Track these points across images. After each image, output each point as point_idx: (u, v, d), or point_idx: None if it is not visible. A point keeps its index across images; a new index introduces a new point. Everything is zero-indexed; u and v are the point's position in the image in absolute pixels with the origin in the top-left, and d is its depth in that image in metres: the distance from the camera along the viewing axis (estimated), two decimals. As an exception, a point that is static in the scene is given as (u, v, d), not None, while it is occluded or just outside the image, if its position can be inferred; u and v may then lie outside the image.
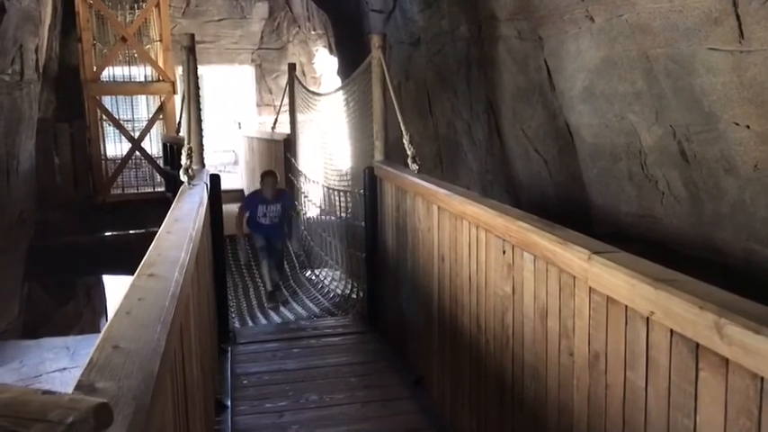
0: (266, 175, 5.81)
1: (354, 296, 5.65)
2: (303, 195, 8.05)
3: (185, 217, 2.86)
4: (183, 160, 3.93)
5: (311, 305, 6.39)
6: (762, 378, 1.23)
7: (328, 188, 6.89)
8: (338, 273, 6.62)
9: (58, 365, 4.69)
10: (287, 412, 3.40)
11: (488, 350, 2.62)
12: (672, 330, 1.48)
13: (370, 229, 4.65)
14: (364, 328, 4.68)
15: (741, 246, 2.54)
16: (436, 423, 3.22)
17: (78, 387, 1.05)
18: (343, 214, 6.32)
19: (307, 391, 3.64)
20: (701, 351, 1.39)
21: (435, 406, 3.31)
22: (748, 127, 2.49)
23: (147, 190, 9.20)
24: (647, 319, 1.57)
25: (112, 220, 8.75)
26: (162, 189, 8.88)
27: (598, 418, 1.82)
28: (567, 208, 4.05)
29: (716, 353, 1.34)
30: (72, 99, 8.66)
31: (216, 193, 4.24)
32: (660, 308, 1.51)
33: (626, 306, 1.66)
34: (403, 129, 4.11)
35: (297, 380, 3.79)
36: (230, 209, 7.80)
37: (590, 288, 1.83)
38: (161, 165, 8.90)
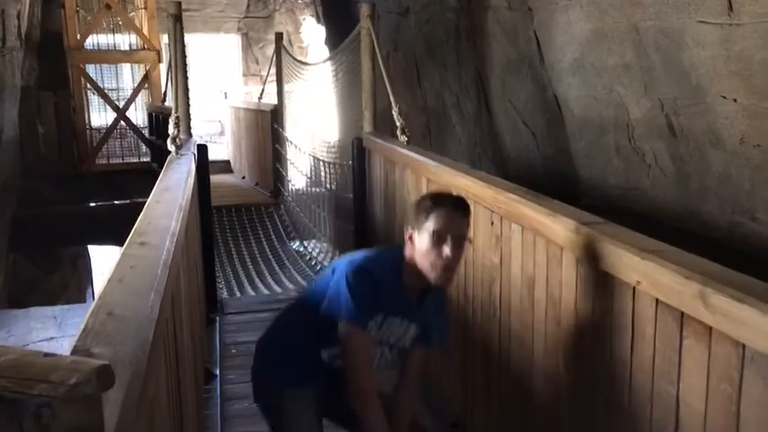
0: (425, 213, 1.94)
1: (342, 267, 5.67)
2: (291, 166, 8.02)
3: (174, 187, 2.85)
4: (171, 129, 3.91)
5: (299, 277, 6.41)
6: (743, 345, 1.26)
7: (316, 159, 6.88)
8: (326, 245, 6.64)
9: (46, 335, 4.69)
10: (276, 381, 3.43)
11: (475, 320, 2.65)
12: (657, 300, 1.51)
13: (358, 200, 4.66)
14: (352, 298, 4.70)
15: (726, 218, 2.57)
16: (423, 389, 3.26)
17: (75, 352, 1.06)
18: (331, 186, 6.32)
19: (295, 360, 3.66)
20: (685, 320, 1.42)
21: (422, 375, 3.35)
22: (735, 100, 2.51)
23: (132, 160, 9.13)
24: (634, 288, 1.60)
25: (97, 190, 8.69)
26: (147, 159, 8.82)
27: (584, 387, 1.86)
28: (555, 180, 4.07)
29: (700, 321, 1.37)
30: (55, 67, 8.53)
31: (203, 163, 4.22)
32: (646, 278, 1.54)
33: (613, 276, 1.69)
34: (392, 100, 4.10)
35: (285, 349, 3.82)
36: (217, 180, 7.76)
37: (577, 258, 1.86)
38: (146, 135, 8.83)
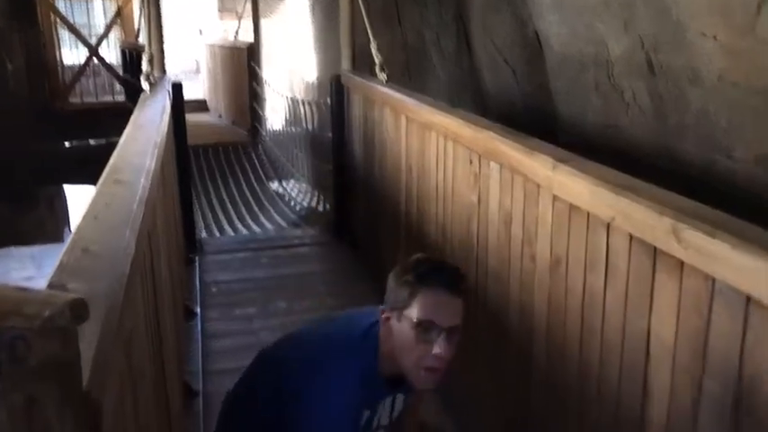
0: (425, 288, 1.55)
1: (321, 208, 5.68)
2: (268, 104, 7.91)
3: (149, 124, 2.81)
4: (144, 67, 3.82)
5: (278, 218, 6.42)
6: (713, 279, 1.29)
7: (294, 99, 6.79)
8: (305, 185, 6.62)
9: (24, 274, 4.68)
10: (256, 318, 3.47)
11: (453, 257, 2.68)
12: (631, 235, 1.53)
13: (336, 140, 4.62)
14: (332, 238, 4.72)
15: (702, 156, 2.59)
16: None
17: (50, 287, 1.05)
18: (309, 125, 6.26)
19: (276, 298, 3.70)
20: (658, 255, 1.45)
21: (401, 312, 3.40)
22: (715, 38, 2.50)
23: (106, 99, 8.96)
24: (608, 224, 1.62)
25: (72, 129, 8.54)
26: (122, 98, 8.64)
27: (558, 321, 1.90)
28: (534, 118, 4.06)
29: (672, 256, 1.39)
30: (23, 2, 8.25)
31: (179, 102, 4.15)
32: (621, 214, 1.56)
33: (588, 213, 1.71)
34: (371, 36, 4.03)
35: (265, 288, 3.85)
36: (193, 119, 7.65)
37: (554, 196, 1.87)
38: (120, 73, 8.63)
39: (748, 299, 1.21)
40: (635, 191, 1.56)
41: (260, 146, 8.36)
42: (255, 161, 8.15)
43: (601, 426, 1.72)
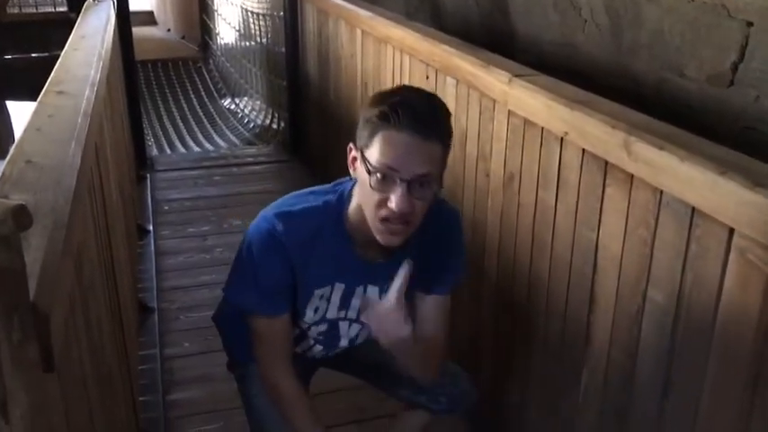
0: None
1: (275, 126, 5.59)
2: (219, 17, 7.63)
3: (93, 35, 2.68)
4: (86, -27, 3.61)
5: (231, 136, 6.30)
6: (661, 191, 1.32)
7: (246, 10, 6.55)
8: (259, 102, 6.49)
9: (-33, 193, 4.53)
10: (210, 236, 3.46)
11: (409, 175, 2.68)
12: (584, 150, 1.55)
13: (290, 55, 4.51)
14: (287, 156, 4.67)
15: (655, 75, 2.61)
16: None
17: (-8, 199, 1.02)
18: (262, 39, 6.07)
19: (230, 216, 3.68)
20: (609, 168, 1.47)
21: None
22: (674, -47, 2.47)
23: (47, 9, 8.50)
24: (562, 139, 1.63)
25: (11, 41, 8.12)
26: (64, 9, 8.21)
27: (509, 235, 1.93)
28: (492, 37, 4.01)
29: (623, 170, 1.42)
30: None
31: (124, 12, 3.97)
32: (574, 128, 1.57)
33: (542, 128, 1.71)
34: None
35: (219, 206, 3.82)
36: (141, 32, 7.34)
37: (509, 111, 1.87)
38: (61, -19, 8.18)
39: (694, 210, 1.24)
40: (589, 105, 1.57)
41: (211, 61, 8.11)
42: (207, 77, 7.92)
43: (549, 337, 1.79)
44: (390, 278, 1.31)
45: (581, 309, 1.62)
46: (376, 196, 1.22)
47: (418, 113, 1.20)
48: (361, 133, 1.25)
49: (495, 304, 2.07)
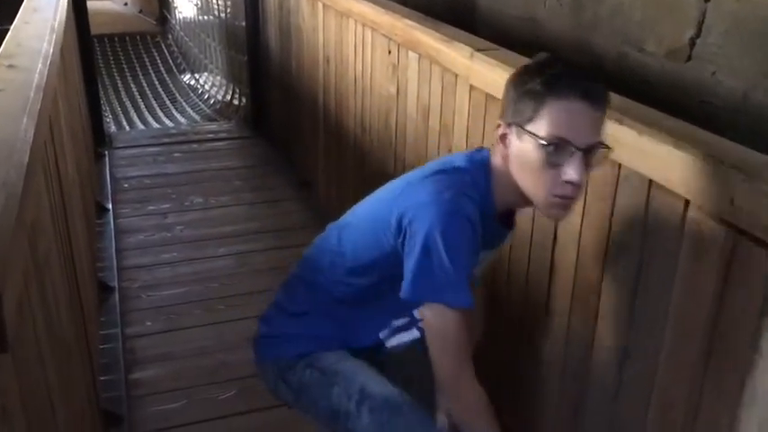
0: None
1: (237, 102, 5.52)
2: (178, -8, 7.48)
3: (45, 8, 2.60)
4: (37, -57, 3.49)
5: (192, 112, 6.21)
6: (620, 165, 1.34)
7: (205, -16, 6.43)
8: (219, 78, 6.39)
9: None
10: (171, 214, 3.41)
11: (372, 150, 2.68)
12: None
13: (251, 29, 4.44)
14: (248, 133, 4.62)
15: (616, 49, 2.63)
16: (322, 221, 3.34)
17: (-61, 175, 0.99)
18: (221, 14, 5.97)
19: (191, 193, 3.63)
20: (569, 143, 1.48)
21: (321, 206, 3.41)
22: (634, -72, 2.48)
23: (-3, -19, 8.22)
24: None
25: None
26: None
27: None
28: (454, 12, 4.00)
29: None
30: None
31: (78, -17, 3.85)
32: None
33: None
34: None
35: (180, 183, 3.76)
36: (96, 5, 7.16)
37: (471, 86, 1.87)
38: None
39: (651, 183, 1.26)
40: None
41: (170, 36, 7.94)
42: (166, 52, 7.76)
43: (511, 308, 1.81)
44: (500, 241, 1.37)
45: (542, 280, 1.64)
46: (547, 171, 1.16)
47: (586, 82, 1.16)
48: (519, 107, 1.18)
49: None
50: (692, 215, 1.18)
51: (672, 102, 1.97)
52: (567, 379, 1.59)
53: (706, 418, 1.19)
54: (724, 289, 1.13)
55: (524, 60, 1.76)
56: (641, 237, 1.31)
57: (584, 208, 1.46)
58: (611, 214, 1.38)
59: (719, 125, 1.52)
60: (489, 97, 1.78)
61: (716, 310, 1.15)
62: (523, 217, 1.69)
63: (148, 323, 2.60)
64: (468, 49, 1.86)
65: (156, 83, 7.02)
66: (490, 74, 1.75)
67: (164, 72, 7.25)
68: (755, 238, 1.05)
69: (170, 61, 7.39)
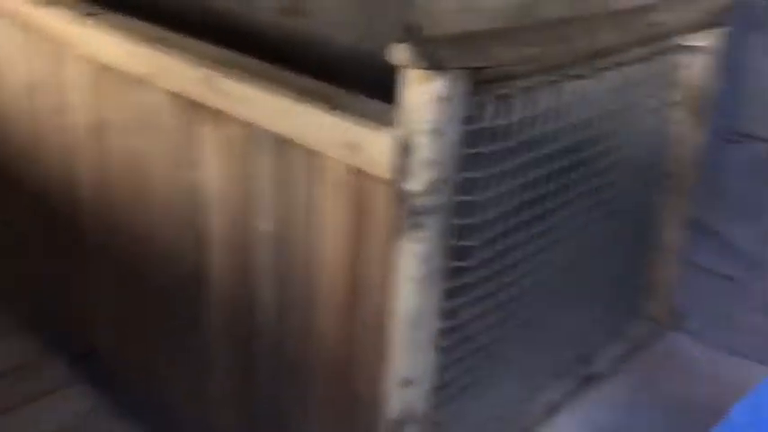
0: None
1: None
2: None
3: None
4: None
5: None
6: (251, 124, 1.35)
7: None
8: None
9: None
10: None
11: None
12: (170, 91, 1.49)
13: None
14: None
15: (230, 7, 2.62)
16: None
17: None
18: None
19: None
20: (197, 108, 1.44)
21: None
22: None
23: None
24: (144, 82, 1.54)
25: None
26: None
27: (107, 191, 1.80)
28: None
29: (211, 107, 1.40)
30: None
31: None
32: (157, 69, 1.50)
33: (123, 71, 1.60)
34: None
35: None
36: None
37: (83, 56, 1.70)
38: None
39: (282, 140, 1.30)
40: (169, 44, 1.50)
41: None
42: None
43: (168, 285, 1.73)
44: None
45: (192, 252, 1.60)
46: None
47: None
48: None
49: (100, 265, 1.91)
50: (322, 165, 1.25)
51: (293, 58, 2.04)
52: (237, 342, 1.59)
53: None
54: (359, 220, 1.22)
55: (139, 24, 1.66)
56: (281, 193, 1.34)
57: (222, 172, 1.44)
58: (251, 175, 1.39)
59: (340, 79, 1.61)
60: (106, 68, 1.63)
61: (350, 257, 1.25)
62: (164, 190, 1.61)
63: None
64: (73, 15, 1.68)
65: None
66: (104, 42, 1.61)
67: None
68: (376, 176, 1.16)
69: None
